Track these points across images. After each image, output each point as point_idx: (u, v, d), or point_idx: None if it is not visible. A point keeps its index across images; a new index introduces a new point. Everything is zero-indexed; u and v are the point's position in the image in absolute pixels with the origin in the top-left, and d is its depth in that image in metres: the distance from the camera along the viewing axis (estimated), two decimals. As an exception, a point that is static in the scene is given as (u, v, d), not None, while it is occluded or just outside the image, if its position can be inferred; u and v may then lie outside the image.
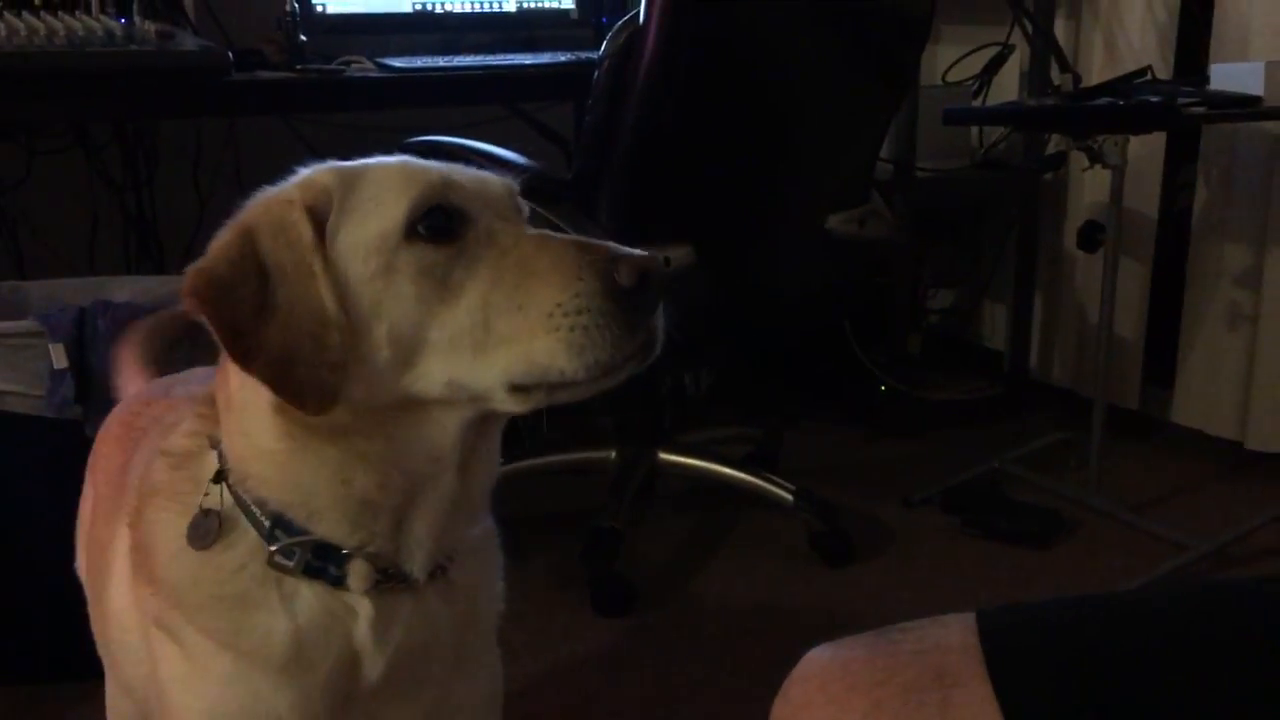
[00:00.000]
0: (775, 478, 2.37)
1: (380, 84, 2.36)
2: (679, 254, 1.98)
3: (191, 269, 0.84)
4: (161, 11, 2.25)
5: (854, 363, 2.99)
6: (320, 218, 0.84)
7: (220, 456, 0.91)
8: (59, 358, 1.67)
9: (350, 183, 0.86)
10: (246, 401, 0.87)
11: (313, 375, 0.81)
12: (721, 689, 1.87)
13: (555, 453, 2.50)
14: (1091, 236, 2.40)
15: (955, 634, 0.71)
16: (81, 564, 1.22)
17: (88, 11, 2.13)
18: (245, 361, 0.82)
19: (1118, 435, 2.63)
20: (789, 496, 2.30)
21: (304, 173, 0.89)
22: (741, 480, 2.38)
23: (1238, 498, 2.54)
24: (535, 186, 1.95)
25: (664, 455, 2.39)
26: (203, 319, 0.83)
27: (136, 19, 2.13)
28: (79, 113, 2.33)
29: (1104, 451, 2.45)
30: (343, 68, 2.37)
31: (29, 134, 2.49)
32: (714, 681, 1.89)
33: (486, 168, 2.06)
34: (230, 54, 2.16)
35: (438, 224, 0.83)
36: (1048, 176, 3.07)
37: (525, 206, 0.92)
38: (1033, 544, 2.34)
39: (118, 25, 2.07)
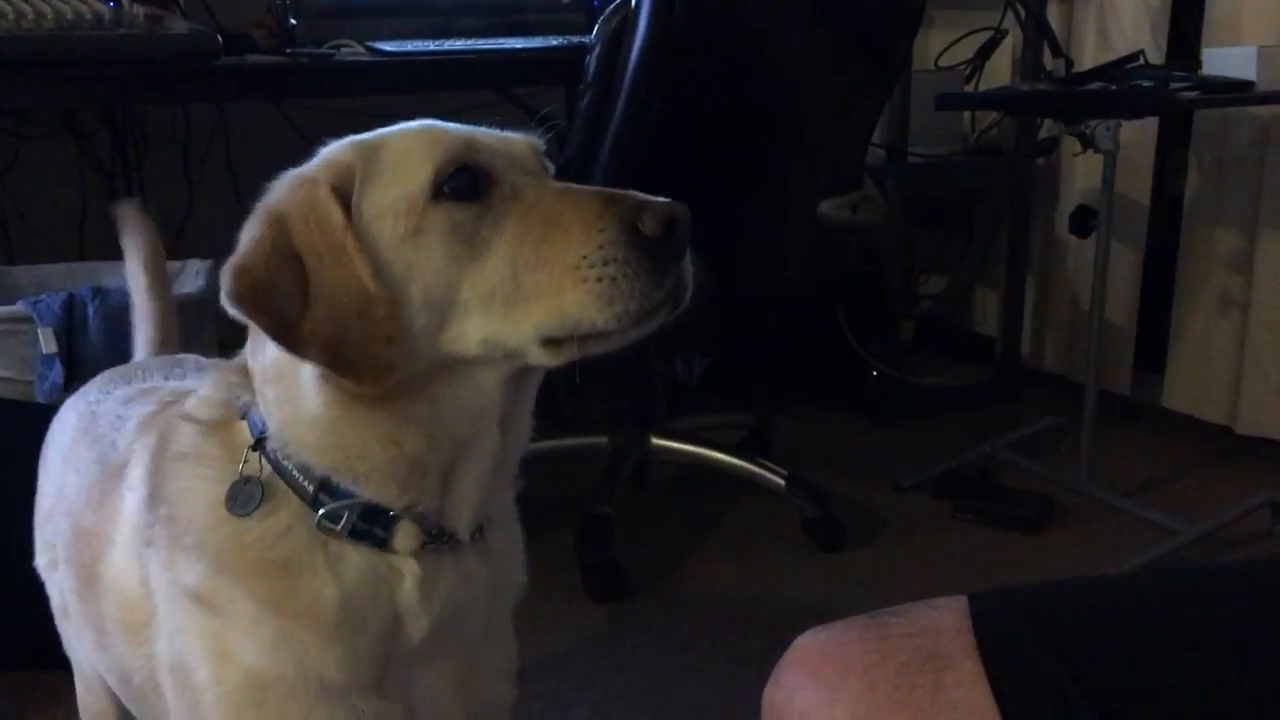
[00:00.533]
0: (768, 463, 2.37)
1: (371, 68, 2.34)
2: (671, 239, 1.98)
3: (229, 270, 0.84)
4: (150, -5, 2.23)
5: (847, 349, 2.99)
6: (346, 195, 0.84)
7: (253, 425, 0.91)
8: (48, 343, 1.67)
9: (371, 153, 0.86)
10: (289, 370, 0.87)
11: (366, 351, 0.82)
12: (714, 674, 1.88)
13: (548, 438, 2.50)
14: (1083, 222, 2.40)
15: (947, 617, 0.71)
16: (45, 560, 1.21)
17: (76, -5, 2.12)
18: (299, 351, 0.83)
19: (1109, 420, 2.64)
20: (781, 482, 2.31)
21: (324, 152, 0.89)
22: (734, 466, 2.38)
23: (1228, 482, 2.55)
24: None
25: (657, 441, 2.39)
26: (249, 319, 0.84)
27: (125, 3, 2.11)
28: (67, 98, 2.31)
29: (1095, 436, 2.45)
30: (333, 51, 2.36)
31: (17, 119, 2.48)
32: (707, 667, 1.90)
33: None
34: (220, 38, 2.15)
35: (463, 183, 0.84)
36: (1040, 161, 3.07)
37: (550, 165, 0.92)
38: (1024, 529, 2.34)
39: (106, 9, 2.06)
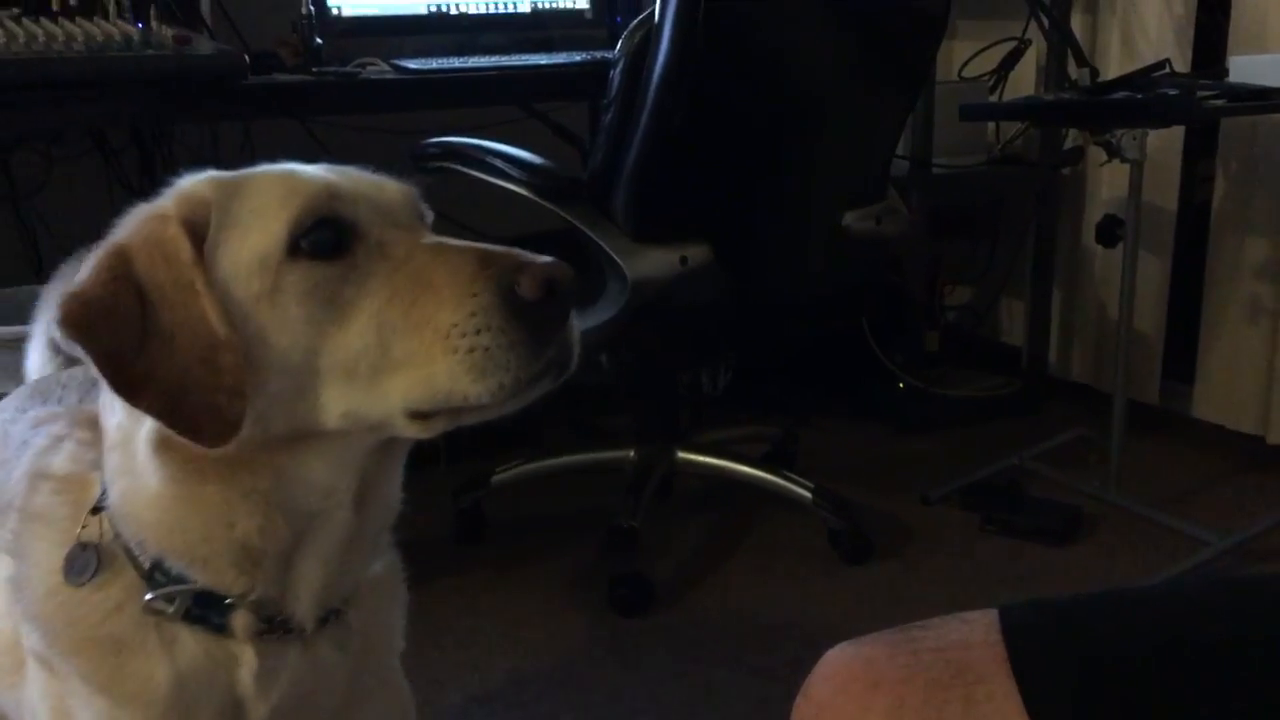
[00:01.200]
0: (793, 476, 2.36)
1: (395, 85, 2.37)
2: (696, 252, 1.99)
3: (64, 295, 0.77)
4: (178, 16, 2.26)
5: (871, 360, 2.98)
6: (199, 232, 0.78)
7: (103, 484, 0.86)
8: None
9: (229, 194, 0.80)
10: (128, 437, 0.82)
11: (208, 402, 0.75)
12: (741, 688, 1.87)
13: (573, 452, 2.50)
14: (1110, 231, 2.38)
15: (978, 631, 0.71)
16: None
17: (105, 17, 2.14)
18: (132, 394, 0.76)
19: (1138, 431, 2.62)
20: (807, 494, 2.30)
21: (180, 184, 0.83)
22: (759, 478, 2.38)
23: (1260, 493, 2.53)
24: (551, 186, 1.98)
25: (682, 454, 2.39)
26: (80, 349, 0.77)
27: (153, 24, 2.14)
28: (97, 118, 2.33)
29: (1124, 447, 2.43)
30: (358, 70, 2.38)
31: (48, 139, 2.51)
32: (734, 681, 1.89)
33: (502, 168, 2.07)
34: (246, 57, 2.17)
35: (324, 238, 0.77)
36: (1065, 171, 3.05)
37: (429, 213, 0.86)
38: (1053, 541, 2.33)
39: (135, 30, 2.08)
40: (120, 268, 0.77)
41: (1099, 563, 2.26)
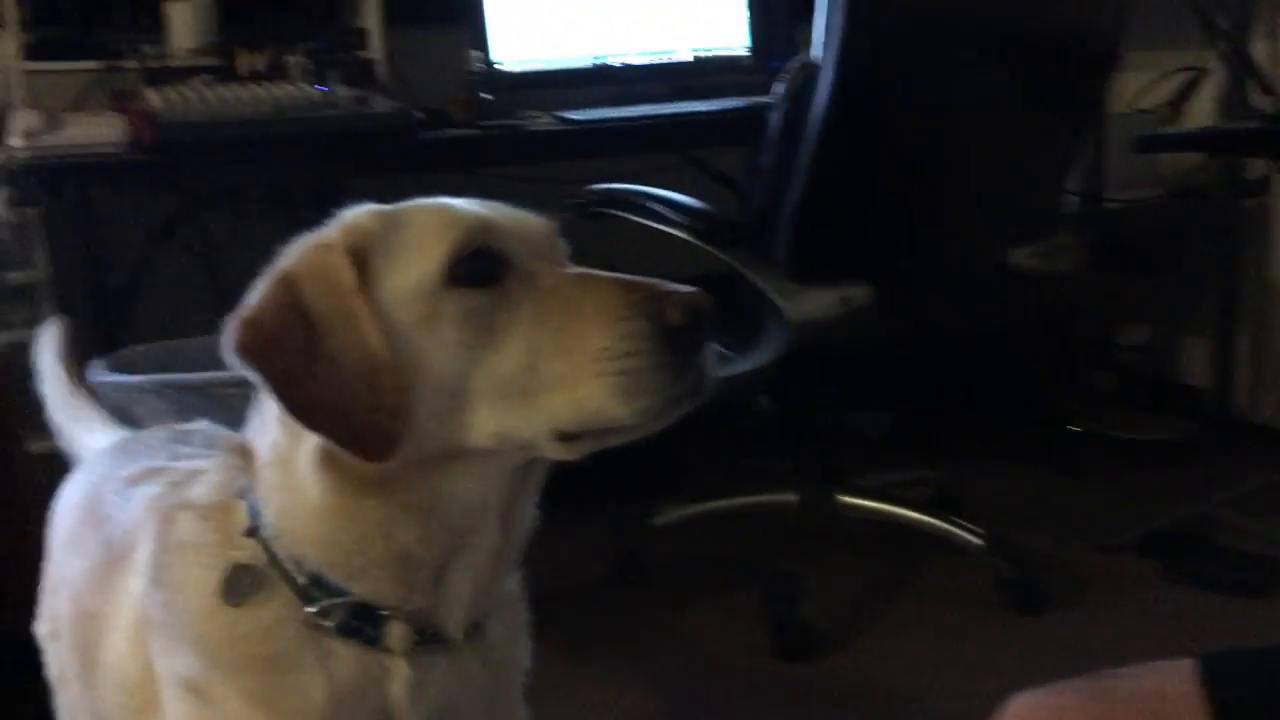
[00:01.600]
0: (963, 521, 2.30)
1: (559, 136, 2.44)
2: (856, 293, 1.97)
3: (235, 322, 0.82)
4: (356, 77, 2.39)
5: (1040, 402, 2.89)
6: (362, 260, 0.82)
7: (251, 509, 0.89)
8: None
9: (390, 225, 0.84)
10: (290, 456, 0.85)
11: (372, 421, 0.79)
12: (910, 739, 1.82)
13: (733, 495, 2.49)
14: (1300, 264, 2.26)
15: (1175, 681, 0.67)
16: (47, 629, 1.21)
17: (290, 80, 2.28)
18: (302, 414, 0.80)
19: (1337, 477, 2.46)
20: (978, 541, 2.23)
21: (343, 215, 0.87)
22: (925, 524, 2.32)
23: None
24: (712, 229, 1.99)
25: (843, 498, 2.34)
26: (253, 373, 0.81)
27: (333, 85, 2.26)
28: (283, 175, 2.48)
29: (1322, 494, 2.29)
30: (523, 122, 2.46)
31: (236, 197, 2.67)
32: (902, 731, 1.84)
33: (663, 213, 2.10)
34: (419, 114, 2.27)
35: (478, 268, 0.81)
36: (1248, 203, 2.91)
37: (566, 246, 0.90)
38: (1247, 593, 2.19)
39: (316, 92, 2.21)
40: (288, 295, 0.82)
41: (1298, 617, 2.12)
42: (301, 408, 0.80)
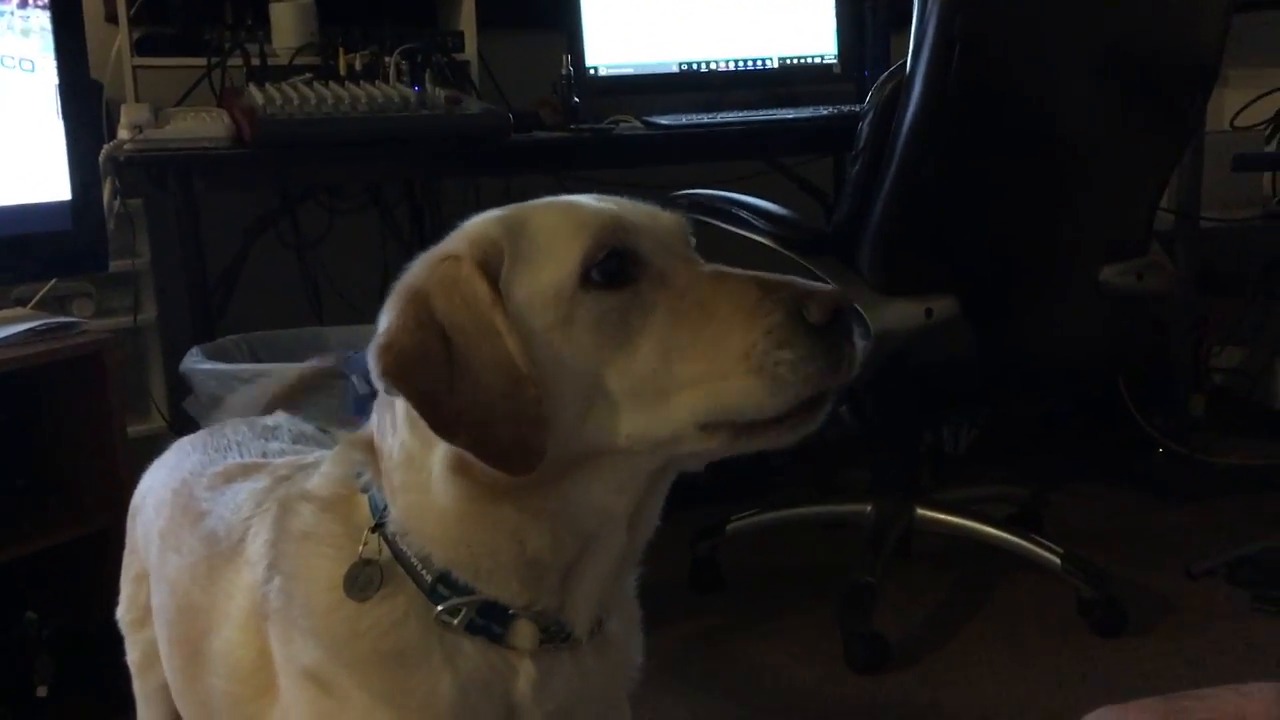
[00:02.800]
0: (1041, 539, 2.26)
1: (648, 141, 2.45)
2: (943, 306, 1.95)
3: (376, 347, 0.81)
4: (450, 78, 2.43)
5: (1129, 423, 2.82)
6: (493, 272, 0.81)
7: (374, 505, 0.89)
8: (361, 385, 1.81)
9: (517, 231, 0.83)
10: (420, 458, 0.85)
11: (514, 434, 0.78)
12: (982, 757, 1.80)
13: (809, 504, 2.48)
14: (1405, 289, 2.18)
15: (1258, 703, 0.66)
16: (130, 616, 1.26)
17: (386, 80, 2.33)
18: (447, 432, 0.79)
19: None
20: (1056, 560, 2.19)
21: (466, 227, 0.86)
22: (1004, 540, 2.28)
23: None
24: (796, 237, 1.99)
25: (921, 511, 2.32)
26: (398, 394, 0.81)
27: (428, 86, 2.30)
28: (377, 173, 2.53)
29: None
30: (612, 126, 2.48)
31: (330, 194, 2.73)
32: (974, 749, 1.82)
33: (748, 219, 2.10)
34: (510, 117, 2.31)
35: (611, 269, 0.80)
36: (1352, 225, 2.82)
37: (693, 239, 0.89)
38: (1336, 626, 2.13)
39: (411, 92, 2.25)
40: (423, 313, 0.80)
41: (1392, 653, 2.05)
42: (445, 424, 0.79)
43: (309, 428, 1.31)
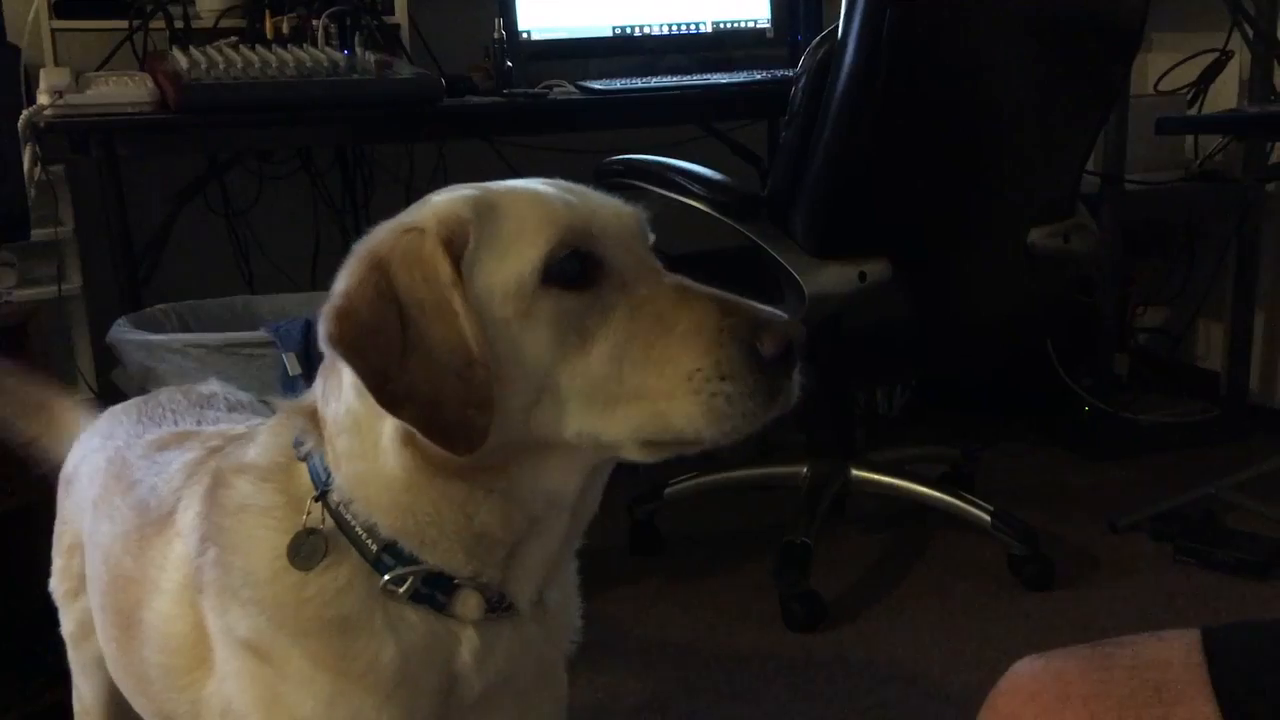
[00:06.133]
0: (972, 498, 2.31)
1: (581, 106, 2.44)
2: (876, 269, 1.97)
3: (330, 312, 0.80)
4: (380, 42, 2.39)
5: (1056, 383, 2.89)
6: (457, 251, 0.81)
7: (315, 473, 0.89)
8: (293, 366, 1.79)
9: (486, 215, 0.83)
10: (368, 425, 0.85)
11: (461, 416, 0.78)
12: (915, 709, 1.84)
13: (746, 467, 2.51)
14: (1320, 250, 2.25)
15: (1177, 650, 0.69)
16: (63, 587, 1.24)
17: (314, 44, 2.29)
18: (394, 406, 0.79)
19: (1350, 462, 2.46)
20: (986, 517, 2.24)
21: (435, 200, 0.85)
22: (936, 499, 2.33)
23: None
24: (731, 202, 2.00)
25: (856, 472, 2.36)
26: (346, 364, 0.81)
27: (358, 50, 2.27)
28: (306, 138, 2.49)
29: (1334, 479, 2.29)
30: (545, 91, 2.46)
31: (260, 159, 2.68)
32: (907, 701, 1.86)
33: (683, 184, 2.10)
34: (443, 81, 2.28)
35: (574, 270, 0.81)
36: (1270, 187, 2.89)
37: (651, 234, 0.89)
38: (1253, 574, 2.20)
39: (341, 56, 2.22)
40: (383, 284, 0.80)
41: (1304, 600, 2.13)
42: (393, 399, 0.79)
43: (245, 396, 1.30)
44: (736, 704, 1.88)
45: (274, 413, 0.99)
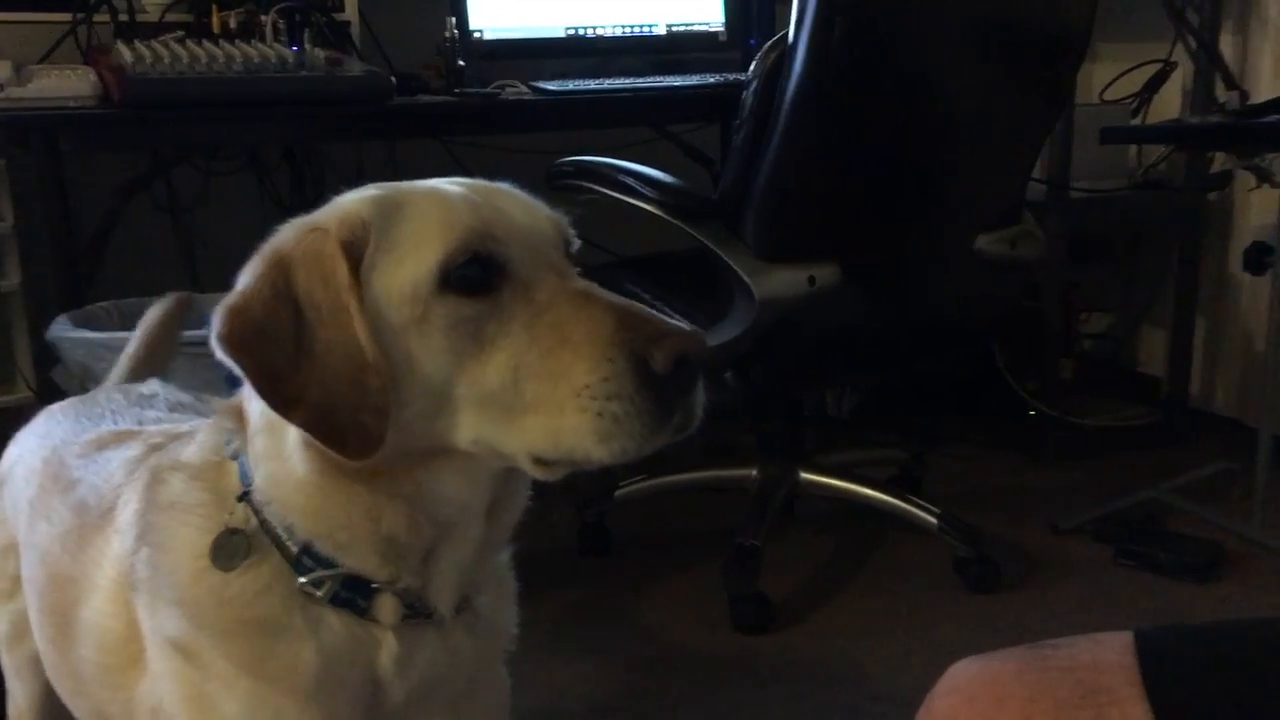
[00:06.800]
0: (919, 501, 2.33)
1: (533, 106, 2.43)
2: (824, 273, 1.99)
3: (223, 309, 0.79)
4: (330, 39, 2.37)
5: (1003, 387, 2.92)
6: (356, 254, 0.80)
7: (243, 473, 0.88)
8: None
9: (387, 217, 0.81)
10: (279, 425, 0.83)
11: (354, 420, 0.77)
12: (861, 710, 1.85)
13: (696, 470, 2.52)
14: (1258, 259, 2.30)
15: (1111, 652, 0.70)
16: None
17: (263, 40, 2.26)
18: (285, 409, 0.79)
19: (1286, 467, 2.51)
20: (933, 520, 2.27)
21: (340, 201, 0.84)
22: (884, 502, 2.35)
23: None
24: (682, 205, 2.00)
25: (805, 475, 2.38)
26: (236, 364, 0.79)
27: (307, 47, 2.24)
28: (253, 136, 2.45)
29: (1270, 483, 2.33)
30: (497, 91, 2.45)
31: (206, 156, 2.65)
32: (854, 703, 1.88)
33: (634, 186, 2.10)
34: (393, 79, 2.26)
35: (473, 275, 0.79)
36: (1212, 197, 2.95)
37: (576, 242, 0.88)
38: (1192, 578, 2.24)
39: (290, 53, 2.19)
40: (281, 283, 0.79)
41: (1240, 602, 2.17)
42: (284, 402, 0.78)
43: (186, 396, 1.28)
44: (684, 706, 1.88)
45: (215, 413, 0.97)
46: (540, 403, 0.78)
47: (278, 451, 0.85)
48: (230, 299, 0.80)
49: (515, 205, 0.85)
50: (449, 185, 0.85)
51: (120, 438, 1.10)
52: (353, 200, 0.84)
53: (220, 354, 0.80)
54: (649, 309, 0.80)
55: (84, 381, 1.78)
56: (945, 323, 2.29)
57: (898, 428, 3.09)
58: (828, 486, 2.40)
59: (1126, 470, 2.74)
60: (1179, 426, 2.99)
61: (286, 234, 0.83)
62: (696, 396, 0.80)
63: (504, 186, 0.88)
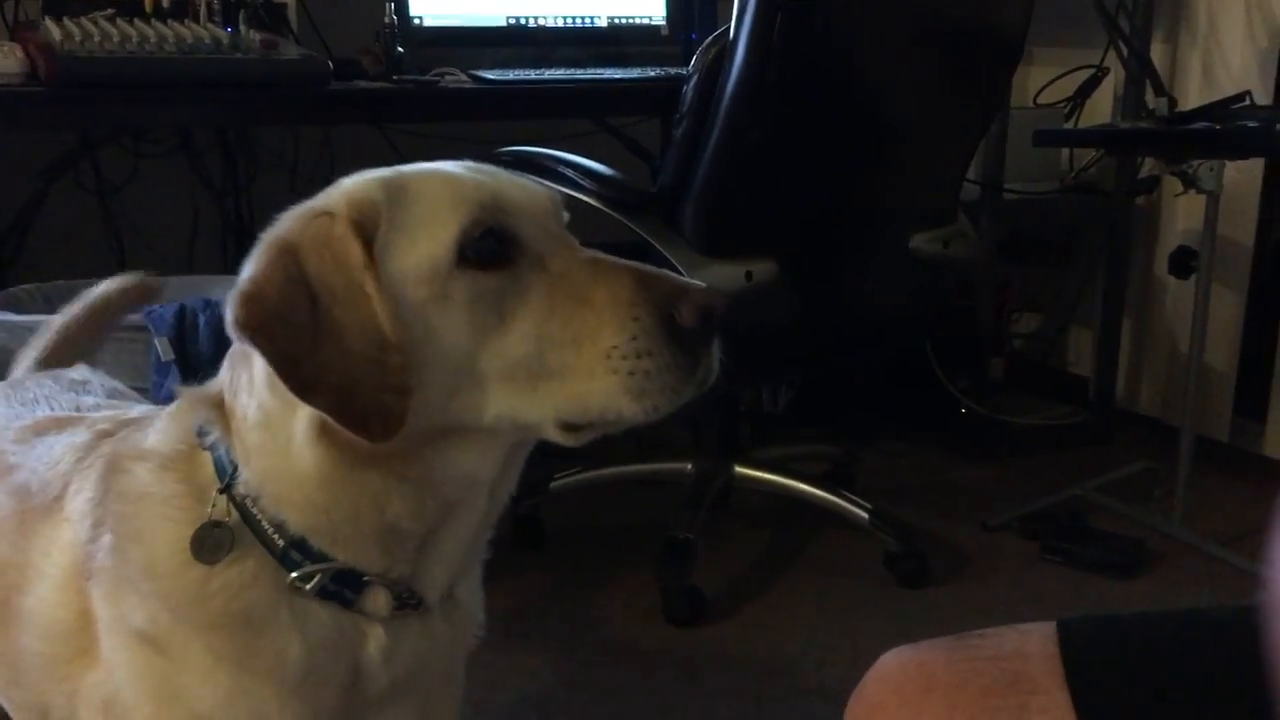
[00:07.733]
0: (852, 496, 2.36)
1: (472, 95, 2.41)
2: (761, 268, 2.00)
3: (238, 296, 0.79)
4: (266, 22, 2.33)
5: (935, 385, 2.96)
6: (368, 235, 0.80)
7: (220, 465, 0.87)
8: (165, 351, 1.73)
9: (397, 197, 0.82)
10: (280, 420, 0.83)
11: (376, 401, 0.77)
12: (793, 704, 1.87)
13: (631, 463, 2.52)
14: (1184, 263, 2.35)
15: (1035, 641, 0.71)
16: None
17: (196, 20, 2.21)
18: (306, 393, 0.78)
19: (1206, 466, 2.58)
20: (865, 515, 2.29)
21: (346, 184, 0.84)
22: (817, 497, 2.37)
23: (1331, 535, 2.47)
24: (620, 198, 2.00)
25: (740, 469, 2.39)
26: (255, 349, 0.79)
27: (242, 28, 2.20)
28: (185, 118, 2.41)
29: (1191, 483, 2.39)
30: (437, 79, 2.43)
31: (136, 137, 2.59)
32: (785, 696, 1.89)
33: (573, 178, 2.09)
34: (330, 64, 2.23)
35: (489, 248, 0.80)
36: (1140, 201, 3.02)
37: (566, 214, 0.89)
38: (1115, 574, 2.29)
39: (224, 34, 2.15)
40: (292, 269, 0.79)
41: (1161, 597, 2.22)
42: (305, 385, 0.78)
43: (119, 383, 1.26)
44: (617, 698, 1.88)
45: (173, 400, 0.95)
46: (566, 369, 0.79)
47: (277, 447, 0.84)
48: (242, 286, 0.79)
49: (516, 182, 0.87)
50: (453, 165, 0.86)
51: (61, 423, 1.07)
52: (358, 183, 0.84)
53: (238, 340, 0.80)
54: (662, 270, 0.82)
55: (5, 365, 1.74)
56: (879, 320, 2.31)
57: (832, 424, 3.11)
58: (762, 481, 2.41)
59: (1054, 468, 2.79)
60: (1105, 426, 3.05)
61: (289, 221, 0.83)
62: (715, 350, 0.82)
63: (495, 167, 0.88)
